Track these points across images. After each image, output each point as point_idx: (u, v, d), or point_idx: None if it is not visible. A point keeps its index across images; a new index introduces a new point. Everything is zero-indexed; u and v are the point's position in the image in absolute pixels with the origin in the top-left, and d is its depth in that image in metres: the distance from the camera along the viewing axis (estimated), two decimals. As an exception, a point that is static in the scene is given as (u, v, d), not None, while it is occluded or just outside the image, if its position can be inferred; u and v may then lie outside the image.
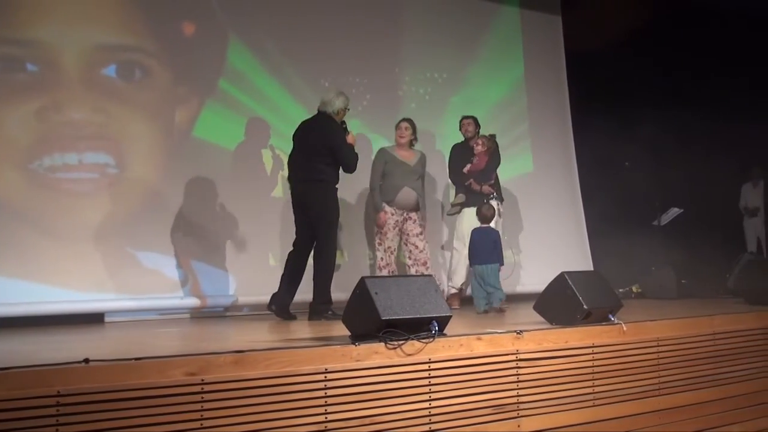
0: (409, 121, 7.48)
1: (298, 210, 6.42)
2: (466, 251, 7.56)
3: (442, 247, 8.51)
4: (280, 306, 6.27)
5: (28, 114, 6.56)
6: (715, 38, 10.15)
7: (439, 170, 8.45)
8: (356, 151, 6.41)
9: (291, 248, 6.41)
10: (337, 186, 6.39)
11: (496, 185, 7.75)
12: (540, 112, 9.70)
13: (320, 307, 6.19)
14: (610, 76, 10.18)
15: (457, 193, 7.83)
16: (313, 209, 6.28)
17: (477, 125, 7.91)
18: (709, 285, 9.02)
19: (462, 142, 7.97)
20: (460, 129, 7.96)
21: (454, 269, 7.77)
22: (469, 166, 7.64)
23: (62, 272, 6.49)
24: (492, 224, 6.99)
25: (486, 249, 6.79)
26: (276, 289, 6.30)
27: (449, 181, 8.16)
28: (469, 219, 7.63)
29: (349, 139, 6.41)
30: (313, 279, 6.28)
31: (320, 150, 6.26)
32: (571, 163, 9.91)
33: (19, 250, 6.38)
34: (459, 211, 7.74)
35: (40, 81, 6.66)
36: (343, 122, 6.51)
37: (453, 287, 7.74)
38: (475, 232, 6.89)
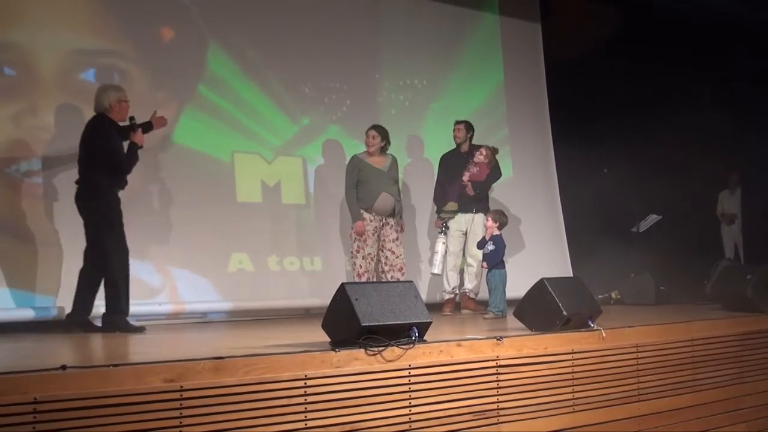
0: (378, 128, 7.46)
1: None
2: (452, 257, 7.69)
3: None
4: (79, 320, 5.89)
5: (5, 118, 6.47)
6: (693, 45, 10.22)
7: (418, 177, 8.45)
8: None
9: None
10: (114, 189, 5.89)
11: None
12: (519, 118, 9.71)
13: (114, 318, 5.76)
14: (589, 83, 10.24)
15: (448, 201, 7.78)
16: (81, 214, 5.89)
17: (468, 130, 7.89)
18: (687, 291, 9.07)
19: (452, 150, 7.97)
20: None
21: (448, 274, 7.75)
22: (467, 174, 7.62)
23: (39, 277, 6.41)
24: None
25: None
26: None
27: (433, 189, 8.05)
28: (457, 225, 7.66)
29: (136, 138, 5.94)
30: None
31: (83, 154, 5.88)
32: (550, 169, 9.93)
33: (-4, 256, 6.31)
34: (453, 218, 7.72)
35: (17, 85, 6.57)
36: (132, 118, 6.01)
37: (446, 293, 7.74)
38: (501, 237, 6.91)
